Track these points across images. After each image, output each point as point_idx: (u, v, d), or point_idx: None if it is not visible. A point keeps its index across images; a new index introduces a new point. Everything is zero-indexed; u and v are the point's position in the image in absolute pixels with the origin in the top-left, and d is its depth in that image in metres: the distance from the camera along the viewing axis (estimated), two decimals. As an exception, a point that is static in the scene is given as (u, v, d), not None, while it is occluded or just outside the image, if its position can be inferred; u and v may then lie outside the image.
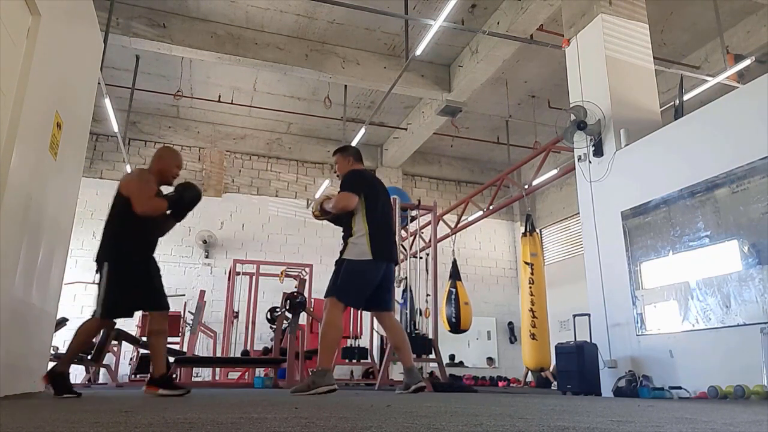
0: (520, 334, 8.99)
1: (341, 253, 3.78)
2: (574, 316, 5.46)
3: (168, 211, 3.47)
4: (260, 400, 2.78)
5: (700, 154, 4.31)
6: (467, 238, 12.20)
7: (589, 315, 5.20)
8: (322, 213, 3.96)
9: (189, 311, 9.12)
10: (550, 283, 7.73)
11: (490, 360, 12.07)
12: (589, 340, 5.08)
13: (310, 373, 3.67)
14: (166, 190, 3.56)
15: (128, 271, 3.29)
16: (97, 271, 3.29)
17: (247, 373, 7.92)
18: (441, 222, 8.85)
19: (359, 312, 9.25)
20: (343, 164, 4.06)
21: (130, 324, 9.18)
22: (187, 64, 9.09)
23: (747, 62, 6.99)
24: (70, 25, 3.50)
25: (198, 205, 3.66)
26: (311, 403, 2.39)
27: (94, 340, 6.92)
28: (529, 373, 8.99)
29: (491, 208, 8.71)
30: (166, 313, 3.48)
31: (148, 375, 3.51)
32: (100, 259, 3.30)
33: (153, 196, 3.36)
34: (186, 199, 3.54)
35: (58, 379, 3.11)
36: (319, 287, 9.61)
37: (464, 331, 8.51)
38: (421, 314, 7.33)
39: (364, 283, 3.70)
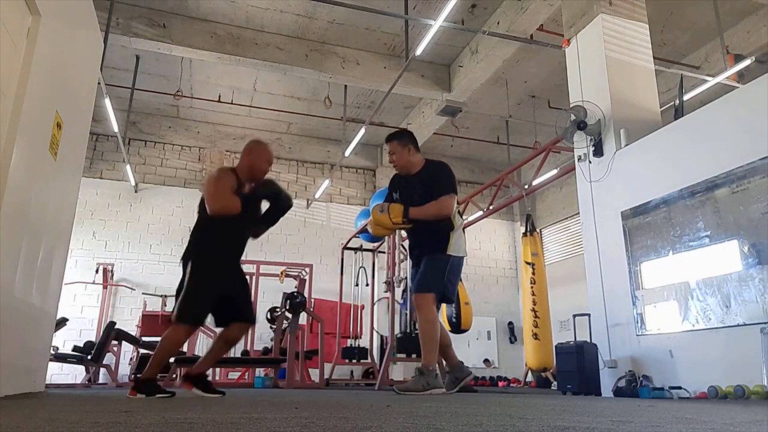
0: (522, 335, 8.99)
1: (430, 248, 3.65)
2: (574, 316, 5.45)
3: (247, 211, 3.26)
4: (260, 400, 2.78)
5: (700, 154, 4.31)
6: (467, 238, 12.13)
7: (589, 315, 5.20)
8: (406, 221, 3.59)
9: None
10: (550, 283, 7.73)
11: (486, 362, 12.05)
12: (589, 340, 5.07)
13: (419, 372, 3.48)
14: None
15: (208, 271, 3.16)
16: (183, 274, 3.19)
17: (247, 373, 7.92)
18: (441, 222, 8.82)
19: (359, 312, 9.26)
20: (402, 154, 3.75)
21: (130, 324, 9.22)
22: (187, 64, 9.10)
23: (747, 62, 6.99)
24: (70, 25, 3.50)
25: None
26: (311, 403, 2.39)
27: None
28: (529, 373, 9.00)
29: (491, 208, 8.70)
30: (248, 326, 3.32)
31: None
32: (185, 259, 3.20)
33: (225, 194, 3.08)
34: (260, 195, 3.32)
35: (147, 384, 3.05)
36: (319, 287, 9.69)
37: (465, 331, 8.49)
38: (421, 314, 7.31)
39: (456, 280, 3.76)
